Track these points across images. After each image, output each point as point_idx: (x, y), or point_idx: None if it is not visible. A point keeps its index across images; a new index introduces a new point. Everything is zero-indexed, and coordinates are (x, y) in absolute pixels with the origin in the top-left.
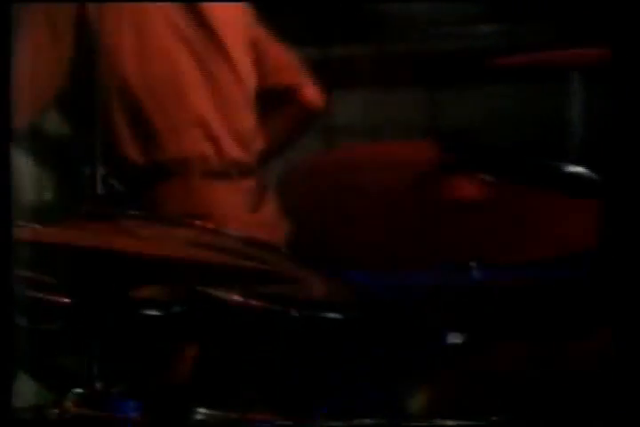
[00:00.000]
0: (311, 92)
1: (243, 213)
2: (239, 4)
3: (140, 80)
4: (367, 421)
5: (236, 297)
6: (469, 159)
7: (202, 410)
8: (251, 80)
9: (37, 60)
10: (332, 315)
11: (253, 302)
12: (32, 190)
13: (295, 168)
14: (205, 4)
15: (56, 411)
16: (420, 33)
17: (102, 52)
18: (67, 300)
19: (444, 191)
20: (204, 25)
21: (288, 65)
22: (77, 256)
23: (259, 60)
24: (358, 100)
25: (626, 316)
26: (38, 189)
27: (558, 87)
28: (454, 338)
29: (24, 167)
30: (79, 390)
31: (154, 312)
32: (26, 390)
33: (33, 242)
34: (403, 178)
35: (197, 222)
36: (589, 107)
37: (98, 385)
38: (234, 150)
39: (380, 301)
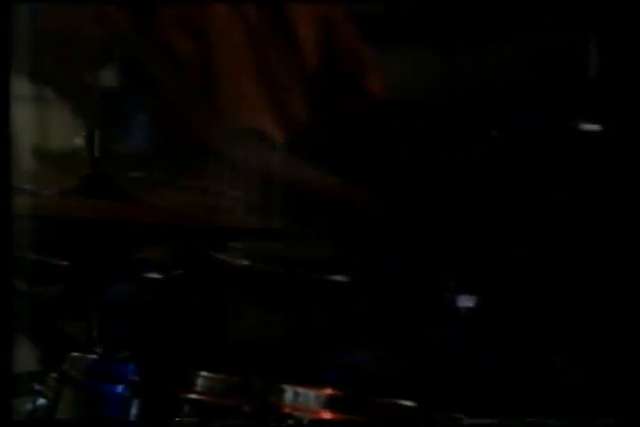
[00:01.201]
0: (374, 83)
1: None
2: None
3: (189, 49)
4: None
5: (240, 259)
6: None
7: (204, 373)
8: (311, 62)
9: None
10: (338, 277)
11: (257, 265)
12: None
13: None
14: None
15: (55, 375)
16: None
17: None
18: (66, 264)
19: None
20: None
21: (355, 52)
22: (77, 226)
23: (326, 43)
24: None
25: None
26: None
27: (576, 44)
28: (466, 301)
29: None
30: (78, 355)
31: (155, 276)
32: (26, 356)
33: (32, 212)
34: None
35: (198, 184)
36: (608, 65)
37: (98, 349)
38: (273, 132)
39: (388, 262)
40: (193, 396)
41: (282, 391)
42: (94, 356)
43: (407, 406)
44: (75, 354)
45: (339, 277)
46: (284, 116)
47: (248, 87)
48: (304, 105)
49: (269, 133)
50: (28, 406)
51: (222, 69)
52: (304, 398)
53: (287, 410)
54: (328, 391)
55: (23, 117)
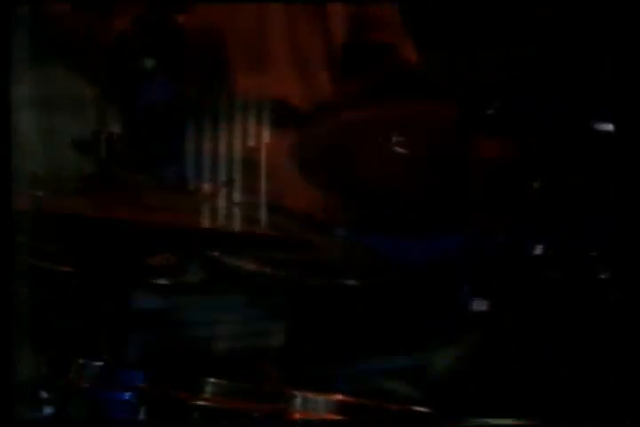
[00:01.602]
0: (408, 52)
1: (286, 164)
2: None
3: (220, 22)
4: None
5: (250, 264)
6: (490, 118)
7: (211, 380)
8: (341, 33)
9: None
10: (349, 282)
11: (267, 270)
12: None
13: (312, 129)
14: None
15: (62, 382)
16: None
17: None
18: (74, 269)
19: (465, 151)
20: None
21: (387, 21)
22: (84, 231)
23: (357, 14)
24: None
25: None
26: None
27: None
28: (480, 305)
29: (33, 134)
30: (85, 361)
31: (165, 281)
32: (32, 363)
33: (37, 212)
34: (424, 138)
35: (205, 188)
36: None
37: (105, 356)
38: (298, 100)
39: (402, 267)
40: (201, 402)
41: (291, 397)
42: (101, 363)
43: (417, 412)
44: (82, 361)
45: (349, 282)
46: (312, 87)
47: (275, 56)
48: (333, 76)
49: (295, 104)
50: (35, 414)
51: (250, 38)
52: (314, 404)
53: (297, 416)
54: (338, 397)
55: (27, 119)
